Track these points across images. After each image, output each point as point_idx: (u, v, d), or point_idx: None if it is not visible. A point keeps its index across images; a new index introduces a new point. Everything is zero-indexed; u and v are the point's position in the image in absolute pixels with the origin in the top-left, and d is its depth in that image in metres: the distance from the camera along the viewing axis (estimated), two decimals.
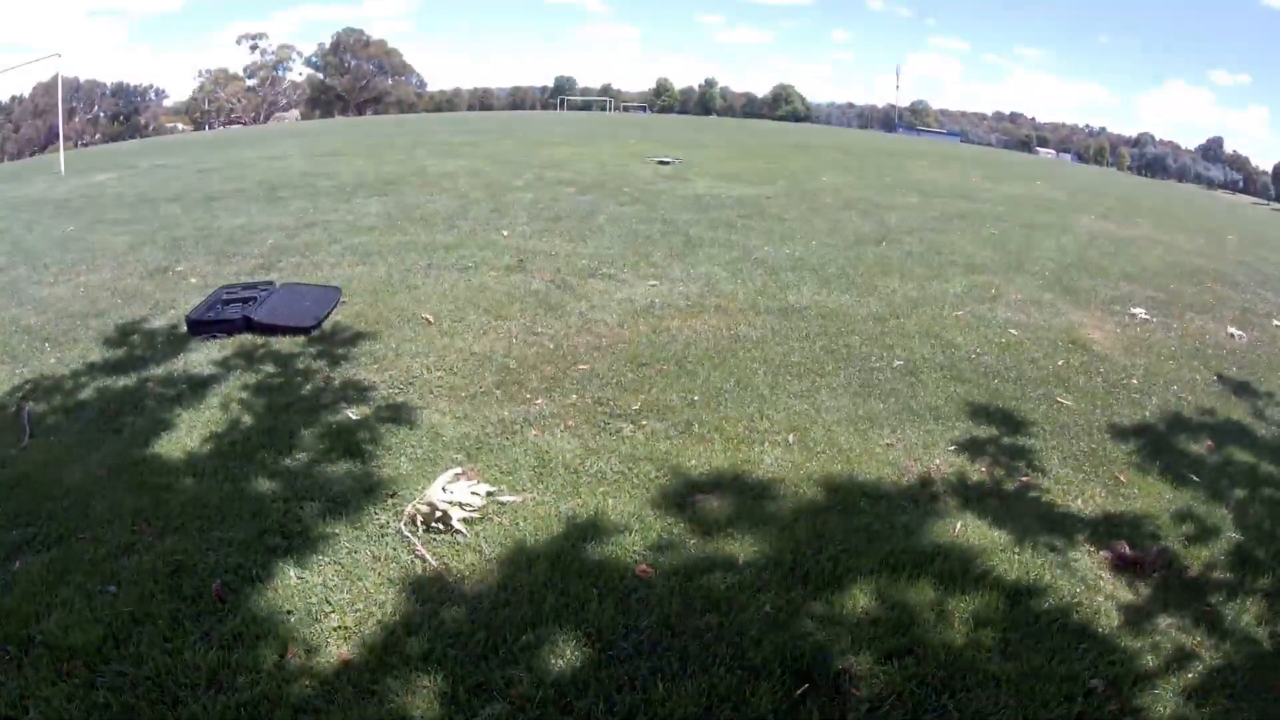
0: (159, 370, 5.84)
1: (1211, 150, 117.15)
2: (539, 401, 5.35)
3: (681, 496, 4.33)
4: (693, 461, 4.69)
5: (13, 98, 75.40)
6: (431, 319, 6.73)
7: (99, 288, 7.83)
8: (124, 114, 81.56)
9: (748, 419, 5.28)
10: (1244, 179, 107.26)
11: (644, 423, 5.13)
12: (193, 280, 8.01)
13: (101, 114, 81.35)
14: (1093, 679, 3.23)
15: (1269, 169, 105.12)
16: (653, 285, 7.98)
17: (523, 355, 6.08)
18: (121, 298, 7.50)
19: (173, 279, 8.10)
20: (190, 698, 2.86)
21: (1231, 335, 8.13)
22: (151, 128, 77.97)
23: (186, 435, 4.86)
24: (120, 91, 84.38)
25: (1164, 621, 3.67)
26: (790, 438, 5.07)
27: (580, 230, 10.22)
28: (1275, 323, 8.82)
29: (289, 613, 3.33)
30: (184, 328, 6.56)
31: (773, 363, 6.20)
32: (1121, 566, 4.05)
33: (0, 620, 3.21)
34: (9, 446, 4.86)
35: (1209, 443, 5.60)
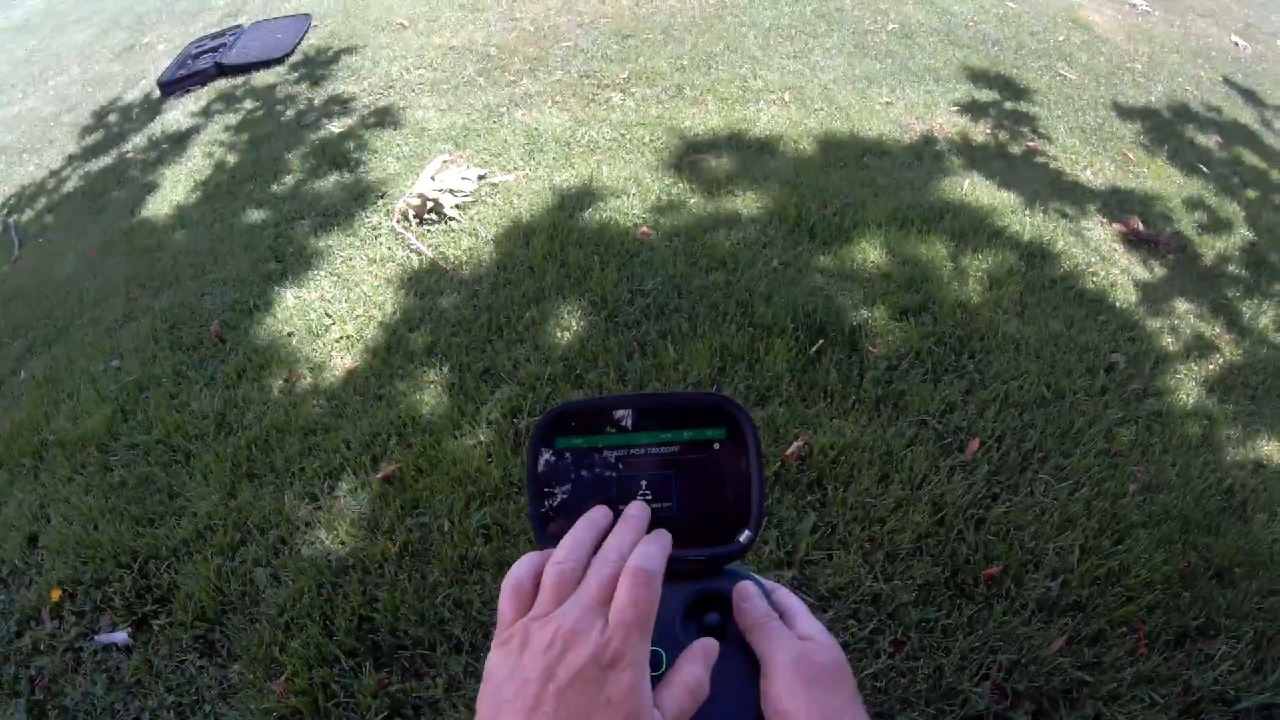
0: (138, 139, 5.54)
1: None
2: (524, 83, 4.98)
3: (678, 157, 4.05)
4: (687, 123, 4.39)
5: None
6: (407, 23, 6.22)
7: (68, 85, 7.42)
8: None
9: (740, 80, 4.95)
10: None
11: (633, 90, 4.80)
12: (160, 48, 7.51)
13: None
14: (1114, 353, 3.02)
15: None
16: None
17: (503, 41, 5.62)
18: (92, 86, 7.10)
19: (140, 53, 7.62)
20: (202, 449, 2.73)
21: (1235, 44, 7.33)
22: None
23: (172, 191, 4.63)
24: None
25: (1181, 306, 3.44)
26: (786, 96, 4.75)
27: None
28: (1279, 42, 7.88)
29: (290, 335, 3.16)
30: (157, 93, 6.18)
31: (761, 26, 5.75)
32: (1135, 242, 3.84)
33: (14, 436, 3.08)
34: (1, 265, 4.70)
35: (1217, 138, 5.23)
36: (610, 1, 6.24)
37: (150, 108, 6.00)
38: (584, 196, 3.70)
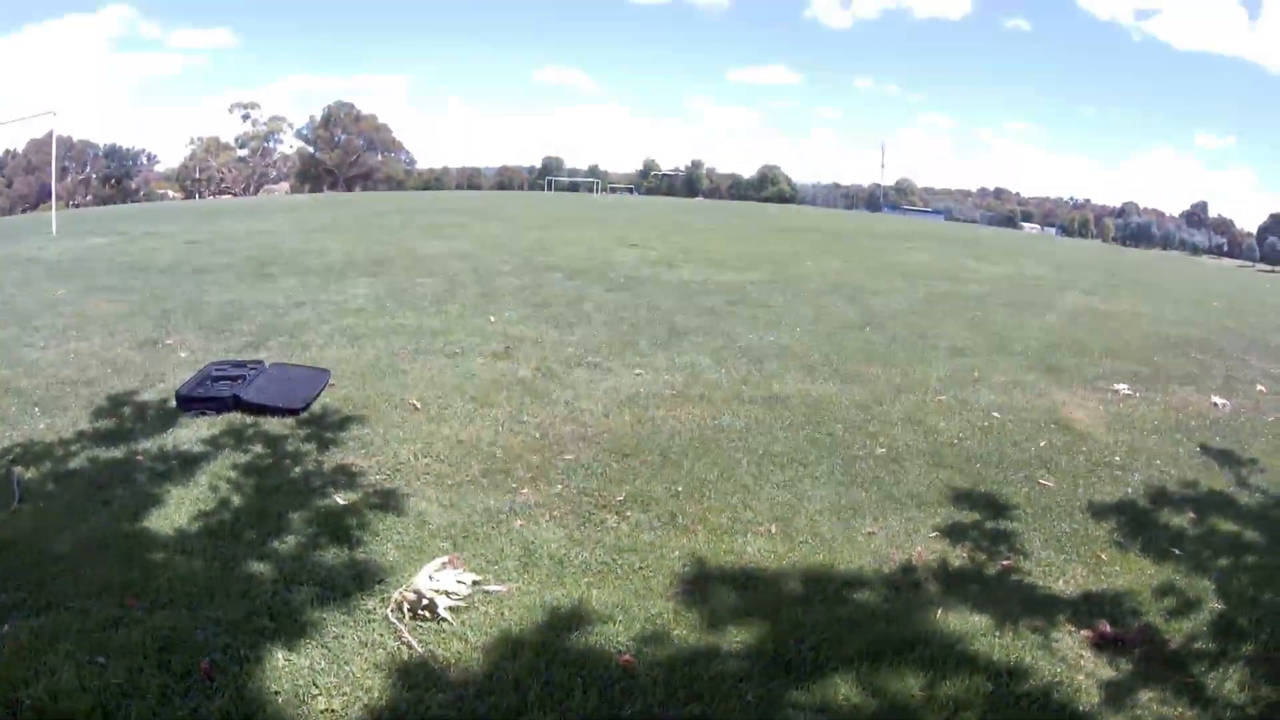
0: (149, 444, 5.91)
1: (1196, 215, 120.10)
2: (525, 491, 5.45)
3: (665, 587, 4.42)
4: (676, 553, 4.78)
5: (6, 151, 76.39)
6: (419, 405, 6.84)
7: (89, 355, 7.92)
8: (116, 177, 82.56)
9: (731, 510, 5.39)
10: (1228, 242, 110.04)
11: (628, 514, 5.24)
12: (182, 354, 8.12)
13: (94, 175, 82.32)
14: None
15: (1253, 230, 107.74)
16: (638, 374, 8.14)
17: (509, 444, 6.19)
18: (112, 367, 7.59)
19: (162, 352, 8.21)
20: None
21: (1215, 404, 8.32)
22: (142, 193, 79.00)
23: (176, 512, 4.93)
24: (113, 154, 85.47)
25: (1145, 696, 3.75)
26: (773, 528, 5.18)
27: (567, 317, 10.44)
28: (1259, 388, 9.05)
29: (276, 694, 3.39)
30: (174, 402, 6.64)
31: (756, 453, 6.31)
32: (1103, 644, 4.12)
33: None
34: None
35: (1191, 515, 5.73)
36: (614, 415, 6.93)
37: (166, 416, 6.44)
38: (573, 618, 4.05)
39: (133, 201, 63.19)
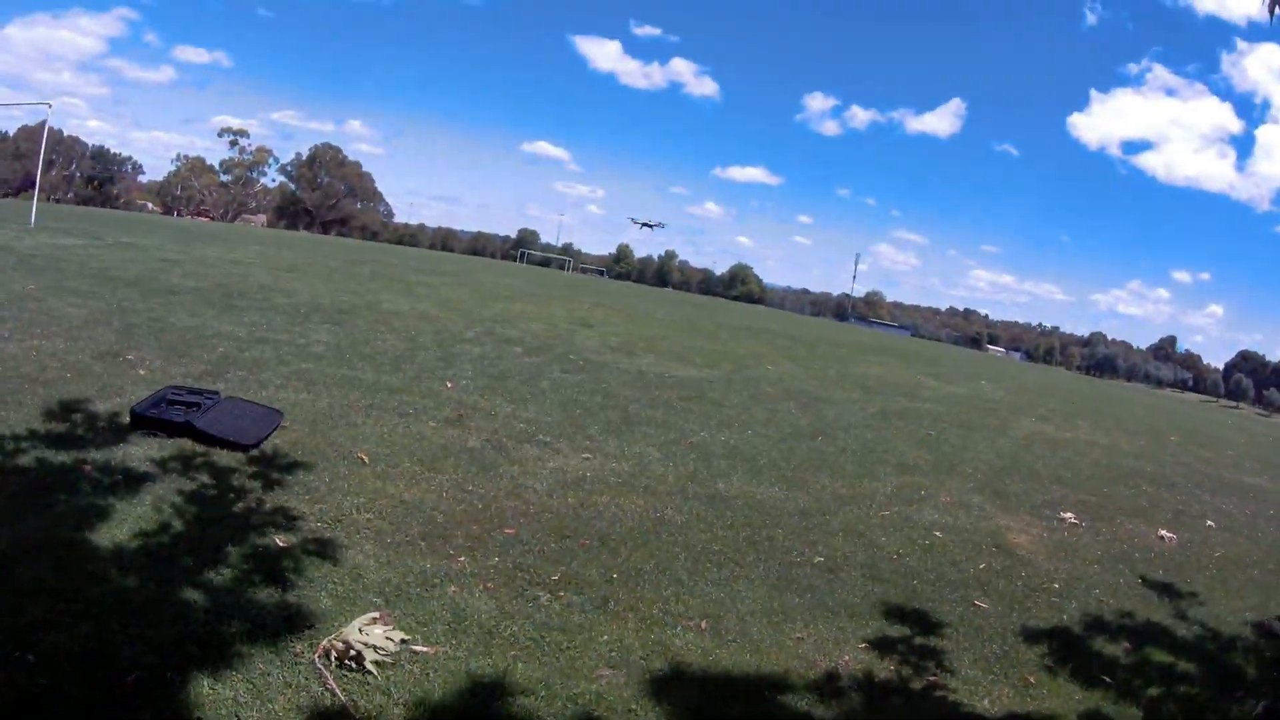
0: (98, 455, 5.98)
1: (1163, 350, 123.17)
2: (461, 559, 5.56)
3: (590, 669, 4.53)
4: (605, 637, 4.88)
5: None
6: (366, 459, 6.96)
7: (50, 356, 7.97)
8: (100, 180, 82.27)
9: (664, 601, 5.49)
10: (1193, 377, 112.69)
11: (561, 594, 5.34)
12: (141, 372, 8.19)
13: (79, 174, 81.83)
14: None
15: (1220, 366, 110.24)
16: (586, 458, 8.28)
17: (451, 510, 6.31)
18: (71, 372, 7.65)
19: (122, 365, 8.27)
20: None
21: (1162, 537, 8.52)
22: (123, 200, 78.63)
23: (117, 527, 5.00)
24: (100, 156, 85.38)
25: None
26: (704, 624, 5.28)
27: (522, 392, 10.58)
28: (1208, 523, 9.29)
29: (199, 719, 3.48)
30: (127, 418, 6.70)
31: (694, 549, 6.42)
32: None
33: None
34: None
35: (1126, 644, 5.87)
36: (558, 496, 7.05)
37: (117, 431, 6.53)
38: (496, 688, 4.16)
39: (113, 207, 63.02)
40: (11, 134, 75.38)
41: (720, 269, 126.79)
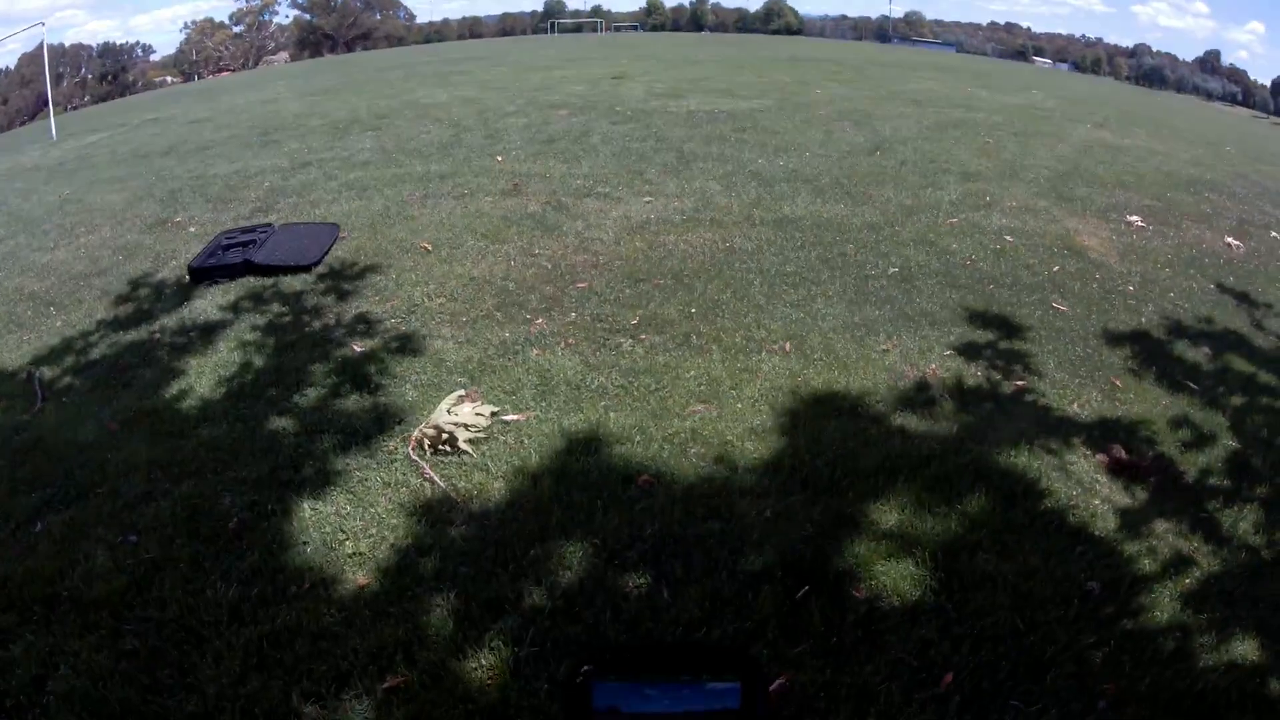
0: (167, 320, 5.89)
1: (1209, 63, 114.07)
2: (539, 321, 5.40)
3: (681, 407, 4.39)
4: (691, 373, 4.74)
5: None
6: (430, 247, 6.75)
7: (100, 247, 7.85)
8: (112, 73, 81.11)
9: (745, 329, 5.32)
10: (1242, 92, 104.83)
11: (643, 337, 5.18)
12: (192, 230, 8.02)
13: (89, 75, 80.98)
14: (1090, 581, 3.29)
15: (1267, 83, 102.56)
16: (648, 202, 7.96)
17: (521, 277, 6.11)
18: (123, 254, 7.53)
19: (172, 230, 8.11)
20: (214, 635, 2.97)
21: (1229, 245, 8.02)
22: (140, 84, 77.53)
23: (197, 381, 4.93)
24: (107, 52, 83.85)
25: (1161, 526, 3.72)
26: (788, 346, 5.12)
27: (574, 151, 10.14)
28: (1274, 234, 8.65)
29: (305, 544, 3.43)
30: (187, 276, 6.59)
31: (768, 273, 6.22)
32: (1117, 470, 4.08)
33: (26, 582, 3.30)
34: (22, 413, 4.92)
35: (1207, 350, 5.60)
36: (625, 243, 6.82)
37: (181, 291, 6.39)
38: (591, 441, 4.05)
39: (131, 94, 62.24)
40: (13, 65, 74.57)
41: (754, 5, 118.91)
